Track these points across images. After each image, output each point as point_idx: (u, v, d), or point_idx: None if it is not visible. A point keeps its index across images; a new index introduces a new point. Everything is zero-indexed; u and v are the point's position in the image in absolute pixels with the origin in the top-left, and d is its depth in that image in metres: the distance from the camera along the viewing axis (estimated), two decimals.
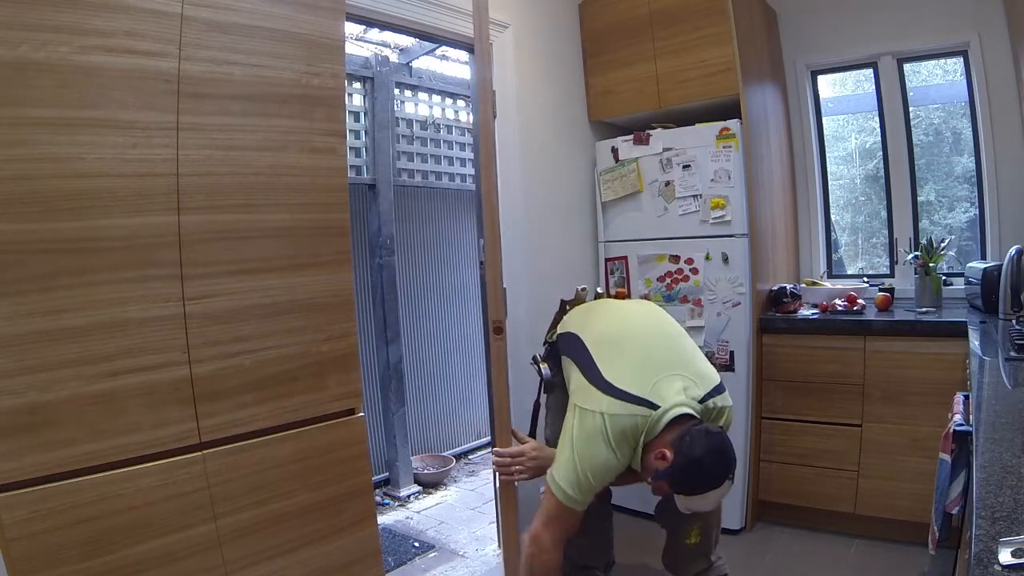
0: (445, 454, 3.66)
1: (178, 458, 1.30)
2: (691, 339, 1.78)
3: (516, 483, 1.86)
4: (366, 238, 3.31)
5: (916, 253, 2.75)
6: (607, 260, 2.93)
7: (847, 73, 3.15)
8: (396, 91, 3.45)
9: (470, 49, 2.57)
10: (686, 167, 2.65)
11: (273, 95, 1.44)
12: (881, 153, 3.04)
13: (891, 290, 2.76)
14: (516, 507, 1.89)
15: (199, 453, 1.33)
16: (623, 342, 1.70)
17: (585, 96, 3.01)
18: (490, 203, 1.76)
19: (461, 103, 3.84)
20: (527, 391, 2.10)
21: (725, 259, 2.59)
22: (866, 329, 2.47)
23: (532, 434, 1.94)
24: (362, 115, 3.31)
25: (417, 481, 3.40)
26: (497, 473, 1.86)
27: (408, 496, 3.28)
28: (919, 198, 2.98)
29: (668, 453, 1.50)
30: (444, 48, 3.40)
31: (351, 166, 3.22)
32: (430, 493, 3.34)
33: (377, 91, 3.31)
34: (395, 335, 3.35)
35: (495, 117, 2.07)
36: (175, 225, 1.30)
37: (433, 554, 2.65)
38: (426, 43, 3.22)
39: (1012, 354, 1.71)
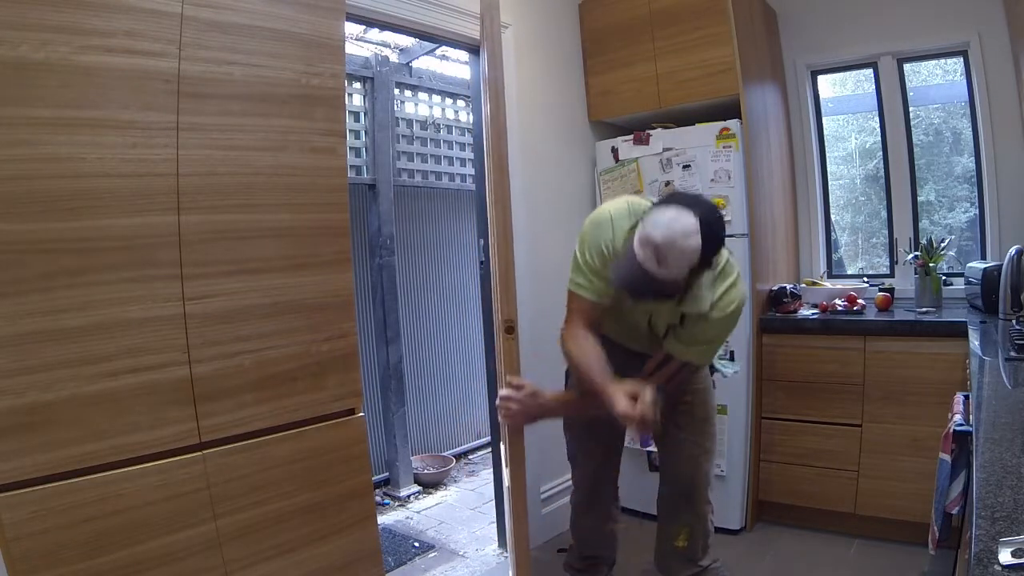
0: (445, 454, 3.66)
1: (178, 458, 1.30)
2: None
3: (507, 425, 1.81)
4: (366, 238, 3.31)
5: (916, 253, 2.75)
6: None
7: (847, 73, 3.15)
8: (396, 91, 3.45)
9: (470, 49, 2.57)
10: (686, 167, 2.65)
11: (273, 95, 1.44)
12: (881, 153, 3.04)
13: (891, 290, 2.76)
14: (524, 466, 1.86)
15: (199, 453, 1.33)
16: None
17: (585, 96, 3.01)
18: (502, 202, 1.75)
19: (461, 103, 3.84)
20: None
21: None
22: (866, 329, 2.47)
23: None
24: (362, 115, 3.31)
25: (417, 481, 3.40)
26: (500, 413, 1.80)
27: (408, 496, 3.28)
28: (919, 198, 2.98)
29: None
30: (444, 48, 3.40)
31: (351, 166, 3.22)
32: (430, 493, 3.34)
33: (377, 91, 3.30)
34: (395, 335, 3.35)
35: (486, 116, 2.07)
36: (175, 225, 1.30)
37: (433, 554, 2.65)
38: (426, 43, 3.21)
39: (1012, 354, 1.71)
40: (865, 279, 3.02)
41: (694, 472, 1.77)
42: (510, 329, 1.77)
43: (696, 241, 1.35)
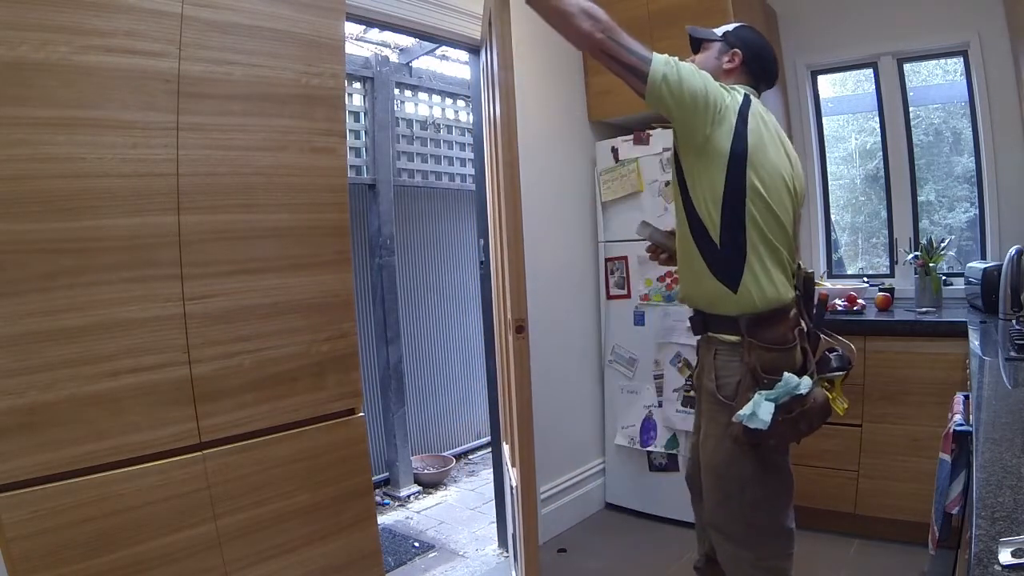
0: (445, 454, 3.66)
1: (178, 458, 1.30)
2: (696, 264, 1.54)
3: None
4: (366, 238, 3.31)
5: (916, 253, 2.75)
6: (607, 260, 2.93)
7: (847, 73, 3.15)
8: (396, 91, 3.45)
9: (470, 49, 2.57)
10: None
11: (273, 95, 1.44)
12: (881, 153, 3.04)
13: (891, 290, 2.76)
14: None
15: (199, 453, 1.33)
16: None
17: (585, 96, 3.00)
18: (512, 202, 1.74)
19: (461, 103, 3.84)
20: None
21: None
22: (866, 329, 2.47)
23: None
24: (362, 115, 3.31)
25: (417, 481, 3.40)
26: None
27: (408, 496, 3.28)
28: (919, 198, 2.98)
29: (737, 52, 1.60)
30: (444, 48, 3.40)
31: (351, 166, 3.22)
32: (430, 493, 3.34)
33: (377, 91, 3.31)
34: (395, 335, 3.35)
35: (496, 117, 2.08)
36: (175, 225, 1.30)
37: (433, 554, 2.65)
38: (426, 43, 3.22)
39: (1012, 354, 1.71)
40: (865, 279, 3.02)
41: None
42: (520, 329, 1.75)
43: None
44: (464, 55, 3.05)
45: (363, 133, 3.32)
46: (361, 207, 3.28)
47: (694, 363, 1.75)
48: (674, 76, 1.41)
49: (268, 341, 1.44)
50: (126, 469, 1.23)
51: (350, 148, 3.22)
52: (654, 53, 1.44)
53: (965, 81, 2.81)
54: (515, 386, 1.76)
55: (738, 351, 1.48)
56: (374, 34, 3.19)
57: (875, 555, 2.36)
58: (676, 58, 1.46)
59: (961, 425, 1.38)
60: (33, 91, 1.14)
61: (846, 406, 1.62)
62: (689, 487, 1.79)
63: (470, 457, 3.85)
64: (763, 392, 1.41)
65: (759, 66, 1.63)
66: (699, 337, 1.64)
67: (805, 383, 1.43)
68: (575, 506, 2.85)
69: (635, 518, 2.82)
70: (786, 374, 1.43)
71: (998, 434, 1.08)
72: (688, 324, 1.64)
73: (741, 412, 1.41)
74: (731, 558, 1.57)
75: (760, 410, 1.38)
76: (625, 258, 2.86)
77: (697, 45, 1.73)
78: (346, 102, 2.44)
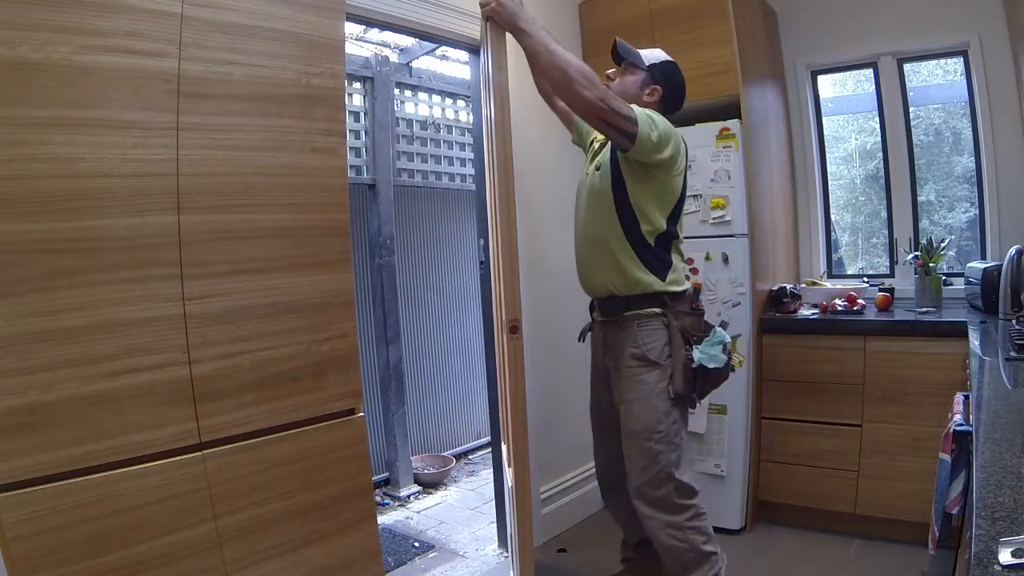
0: (445, 454, 3.66)
1: (178, 458, 1.30)
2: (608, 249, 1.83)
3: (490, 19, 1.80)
4: (366, 238, 3.31)
5: (916, 253, 2.75)
6: None
7: (847, 73, 3.15)
8: (396, 91, 3.45)
9: (470, 49, 2.57)
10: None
11: (273, 95, 1.44)
12: (881, 153, 3.04)
13: (891, 290, 2.76)
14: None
15: (199, 453, 1.33)
16: None
17: None
18: (506, 203, 1.74)
19: (461, 103, 3.84)
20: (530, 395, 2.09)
21: (725, 259, 2.59)
22: (866, 329, 2.47)
23: None
24: (362, 115, 3.31)
25: (417, 481, 3.40)
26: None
27: (408, 496, 3.28)
28: (919, 198, 2.98)
29: (658, 89, 1.87)
30: (444, 48, 3.40)
31: (351, 166, 3.22)
32: (430, 493, 3.34)
33: (377, 91, 3.31)
34: (395, 335, 3.35)
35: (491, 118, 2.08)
36: (175, 225, 1.30)
37: (433, 554, 2.65)
38: (426, 43, 3.21)
39: (1012, 354, 1.71)
40: (865, 279, 3.02)
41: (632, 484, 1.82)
42: (514, 329, 1.76)
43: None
44: (464, 55, 3.04)
45: (363, 133, 3.31)
46: (361, 207, 3.28)
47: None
48: (655, 136, 1.69)
49: (268, 341, 1.43)
50: (126, 469, 1.23)
51: (350, 148, 3.22)
52: (634, 111, 1.67)
53: (965, 81, 2.81)
54: (509, 386, 1.76)
55: (661, 320, 1.78)
56: (374, 34, 3.19)
57: (875, 555, 2.37)
58: (646, 112, 1.72)
59: (961, 425, 1.38)
60: (33, 91, 1.13)
61: (742, 359, 2.21)
62: (604, 487, 2.11)
63: (470, 457, 3.85)
64: (700, 344, 1.77)
65: (672, 103, 1.95)
66: (603, 320, 1.92)
67: (727, 334, 1.83)
68: (575, 506, 2.85)
69: None
70: (715, 327, 1.82)
71: (998, 434, 1.08)
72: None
73: (697, 356, 1.74)
74: (660, 527, 1.75)
75: (715, 351, 1.75)
76: None
77: (620, 59, 1.91)
78: (346, 102, 2.44)
